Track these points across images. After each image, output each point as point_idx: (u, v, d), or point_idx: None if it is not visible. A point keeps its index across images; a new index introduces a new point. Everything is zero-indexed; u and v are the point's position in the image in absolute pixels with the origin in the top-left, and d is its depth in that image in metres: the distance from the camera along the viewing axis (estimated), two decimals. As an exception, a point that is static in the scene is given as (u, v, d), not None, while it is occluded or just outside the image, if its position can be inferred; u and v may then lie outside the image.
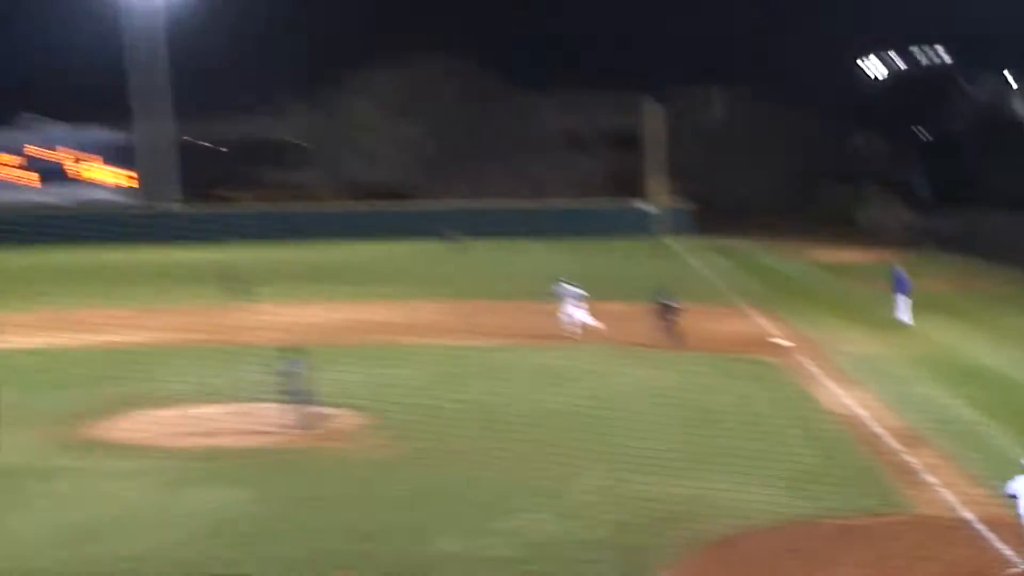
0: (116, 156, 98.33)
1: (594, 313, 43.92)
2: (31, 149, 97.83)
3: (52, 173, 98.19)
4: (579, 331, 42.99)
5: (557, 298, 43.94)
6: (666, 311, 41.56)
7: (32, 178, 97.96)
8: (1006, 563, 18.84)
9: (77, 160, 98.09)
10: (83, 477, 25.07)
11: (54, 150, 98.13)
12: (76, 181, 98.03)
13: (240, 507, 22.86)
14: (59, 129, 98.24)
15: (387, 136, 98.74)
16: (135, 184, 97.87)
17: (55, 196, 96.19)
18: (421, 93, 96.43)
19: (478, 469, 25.16)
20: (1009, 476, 18.09)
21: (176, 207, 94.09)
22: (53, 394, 33.49)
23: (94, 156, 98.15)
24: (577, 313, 43.38)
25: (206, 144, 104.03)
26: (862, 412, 31.55)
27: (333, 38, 74.72)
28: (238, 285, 53.01)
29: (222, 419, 30.67)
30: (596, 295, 45.57)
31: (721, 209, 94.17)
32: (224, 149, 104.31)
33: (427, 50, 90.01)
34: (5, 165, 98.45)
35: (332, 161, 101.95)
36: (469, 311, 50.05)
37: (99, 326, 47.26)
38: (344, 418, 29.93)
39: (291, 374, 28.72)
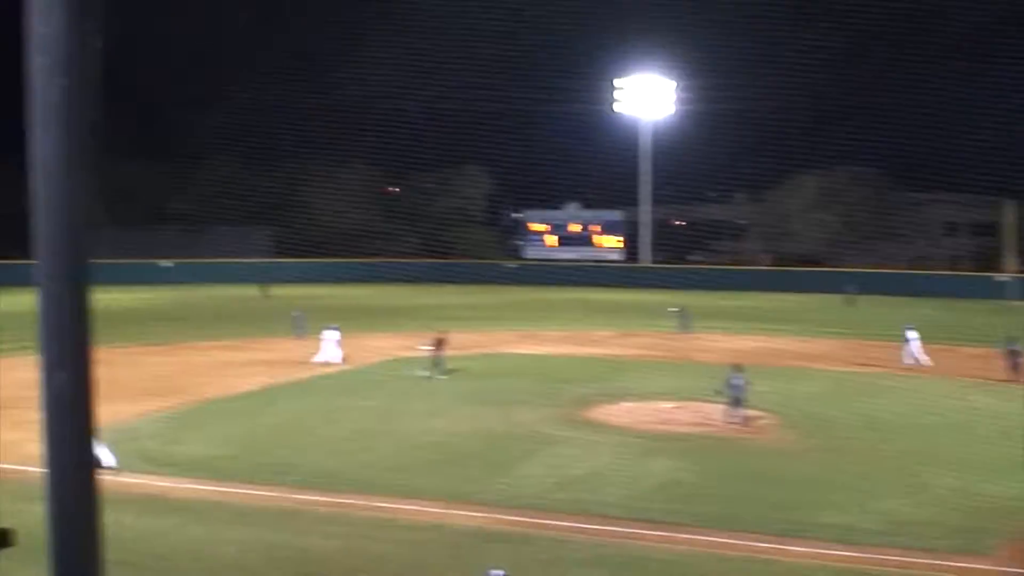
0: (613, 227, 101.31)
1: (942, 352, 41.53)
2: (557, 220, 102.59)
3: (570, 238, 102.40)
4: (915, 363, 40.76)
5: (903, 339, 41.92)
6: (1012, 354, 38.47)
7: (553, 241, 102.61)
8: None
9: (585, 229, 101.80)
10: (577, 445, 25.86)
11: (572, 223, 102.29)
12: (587, 244, 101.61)
13: (681, 474, 23.00)
14: (574, 208, 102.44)
15: (807, 220, 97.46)
16: (623, 247, 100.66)
17: (573, 253, 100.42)
18: (835, 191, 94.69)
19: (858, 464, 24.14)
20: None
21: (651, 264, 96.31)
22: (564, 386, 34.77)
23: (597, 227, 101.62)
24: (915, 350, 41.25)
25: (676, 221, 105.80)
26: None
27: (770, 150, 74.08)
28: (687, 319, 53.30)
29: (674, 412, 30.88)
30: (951, 340, 42.85)
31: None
32: (683, 223, 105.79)
33: (840, 160, 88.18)
34: (538, 231, 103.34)
35: (765, 236, 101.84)
36: (853, 346, 48.14)
37: (597, 341, 48.87)
38: (763, 418, 29.48)
39: (734, 384, 28.63)
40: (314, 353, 41.78)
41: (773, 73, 69.41)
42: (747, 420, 28.51)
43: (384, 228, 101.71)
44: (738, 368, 29.02)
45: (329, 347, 40.83)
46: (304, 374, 37.77)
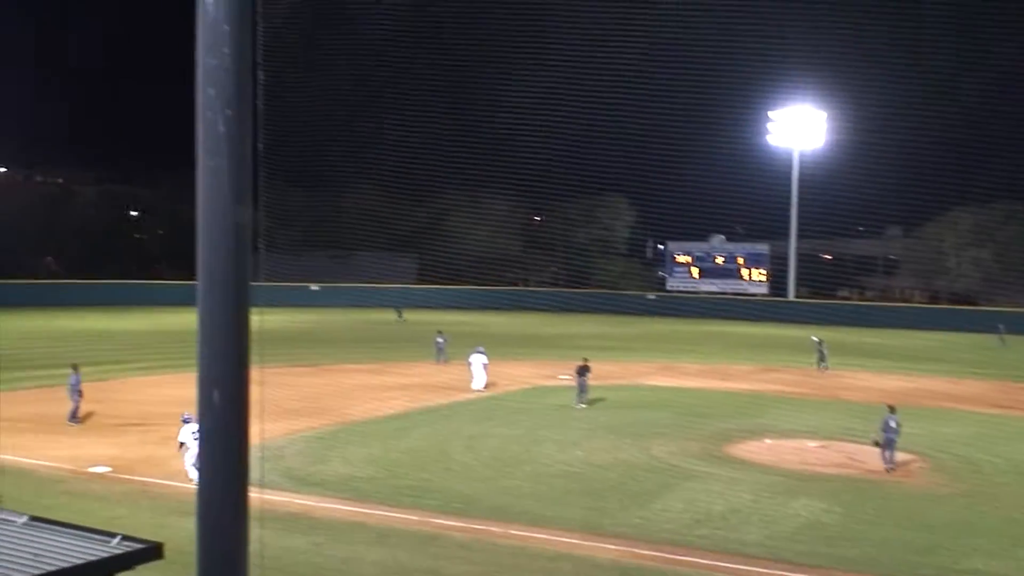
0: (758, 260, 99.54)
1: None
2: (701, 252, 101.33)
3: (714, 270, 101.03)
4: None
5: None
6: None
7: (696, 273, 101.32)
8: None
9: (729, 261, 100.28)
10: (717, 481, 25.37)
11: (717, 255, 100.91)
12: (731, 277, 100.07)
13: (824, 515, 22.29)
14: (718, 240, 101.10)
15: (961, 257, 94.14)
16: (768, 280, 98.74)
17: (716, 286, 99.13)
18: (990, 227, 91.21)
19: (1007, 509, 23.07)
20: None
21: (794, 298, 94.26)
22: (704, 420, 34.27)
23: (742, 259, 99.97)
24: None
25: (823, 255, 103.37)
26: None
27: (924, 183, 71.74)
28: (824, 353, 51.78)
29: (818, 451, 30.06)
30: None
31: None
32: (830, 257, 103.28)
33: (996, 195, 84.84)
34: (681, 263, 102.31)
35: (917, 273, 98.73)
36: (1005, 388, 46.05)
37: (738, 376, 48.01)
38: (911, 460, 28.38)
39: (889, 426, 27.55)
40: (455, 378, 42.37)
41: (927, 104, 67.42)
42: (891, 461, 27.46)
43: (525, 256, 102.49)
44: (892, 409, 28.00)
45: (477, 370, 41.26)
46: (444, 399, 38.23)
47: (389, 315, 77.99)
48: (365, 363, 49.16)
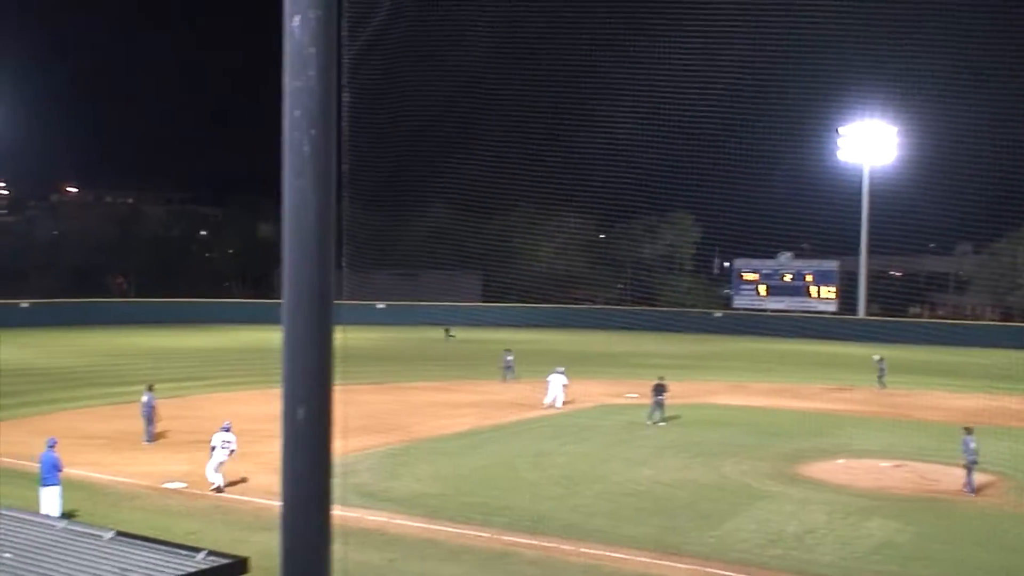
0: (826, 278, 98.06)
1: None
2: (769, 270, 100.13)
3: (782, 288, 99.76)
4: None
5: None
6: None
7: (763, 290, 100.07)
8: None
9: (798, 278, 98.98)
10: (790, 501, 25.03)
11: (785, 272, 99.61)
12: (799, 295, 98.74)
13: (899, 536, 21.89)
14: (786, 257, 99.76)
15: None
16: (837, 298, 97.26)
17: (784, 303, 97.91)
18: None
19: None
20: None
21: (864, 315, 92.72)
22: (775, 440, 33.81)
23: (810, 276, 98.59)
24: None
25: (892, 272, 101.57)
26: None
27: (998, 199, 70.15)
28: (883, 371, 50.66)
29: (889, 471, 29.51)
30: None
31: None
32: (899, 274, 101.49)
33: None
34: (748, 280, 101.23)
35: (991, 290, 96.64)
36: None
37: (809, 395, 47.35)
38: (991, 481, 27.72)
39: (966, 447, 26.86)
40: (522, 395, 42.43)
41: (1000, 118, 66.10)
42: (969, 482, 26.80)
43: (590, 274, 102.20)
44: (968, 431, 27.32)
45: (555, 388, 41.24)
46: (512, 417, 38.22)
47: (438, 333, 78.49)
48: (432, 381, 49.35)
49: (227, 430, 25.04)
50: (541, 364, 51.45)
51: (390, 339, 73.10)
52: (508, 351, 51.31)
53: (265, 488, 23.88)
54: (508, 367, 50.08)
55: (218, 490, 24.55)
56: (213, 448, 24.89)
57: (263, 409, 36.53)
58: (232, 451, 24.84)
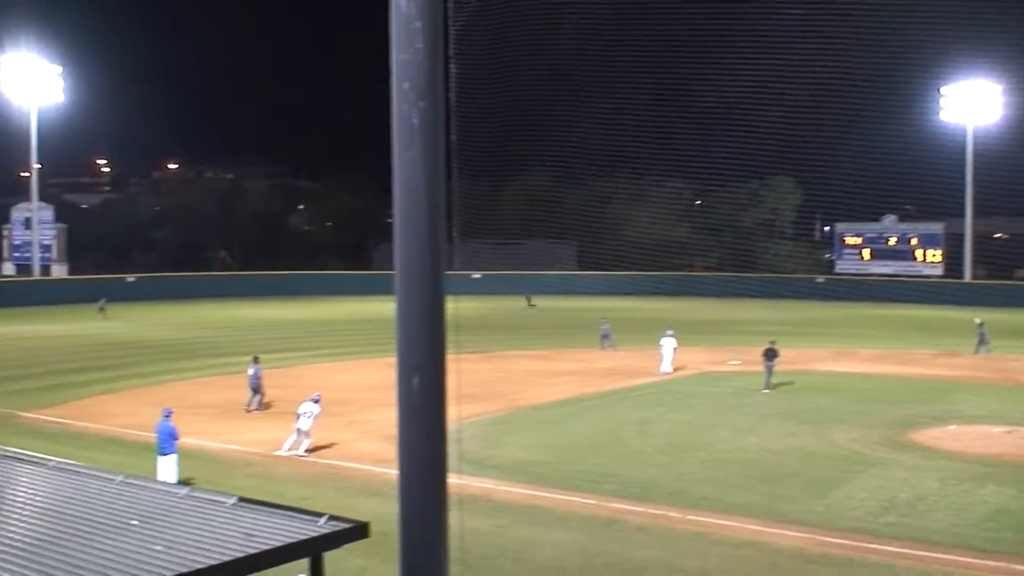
0: (931, 241, 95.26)
1: None
2: (872, 233, 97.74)
3: (886, 252, 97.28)
4: None
5: None
6: None
7: (867, 255, 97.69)
8: None
9: (902, 242, 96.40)
10: (901, 468, 24.47)
11: (889, 236, 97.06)
12: (904, 259, 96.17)
13: (1013, 502, 21.31)
14: (890, 221, 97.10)
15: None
16: (941, 261, 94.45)
17: (888, 268, 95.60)
18: None
19: None
20: None
21: (969, 279, 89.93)
22: (884, 407, 33.10)
23: (915, 240, 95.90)
24: None
25: (997, 235, 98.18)
26: None
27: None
28: (985, 337, 48.91)
29: (1001, 436, 28.69)
30: None
31: None
32: (1005, 236, 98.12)
33: None
34: (851, 245, 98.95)
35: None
36: None
37: (917, 361, 46.32)
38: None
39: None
40: (621, 364, 42.43)
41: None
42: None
43: (689, 241, 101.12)
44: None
45: (667, 353, 41.08)
46: (612, 385, 38.16)
47: (520, 302, 78.67)
48: (532, 350, 49.52)
49: (316, 401, 25.60)
50: (638, 332, 51.24)
51: (487, 308, 73.53)
52: (604, 320, 51.23)
53: (373, 455, 24.27)
54: (605, 335, 50.02)
55: (307, 450, 25.30)
56: (298, 416, 25.53)
57: (369, 378, 37.14)
58: (313, 416, 25.43)
